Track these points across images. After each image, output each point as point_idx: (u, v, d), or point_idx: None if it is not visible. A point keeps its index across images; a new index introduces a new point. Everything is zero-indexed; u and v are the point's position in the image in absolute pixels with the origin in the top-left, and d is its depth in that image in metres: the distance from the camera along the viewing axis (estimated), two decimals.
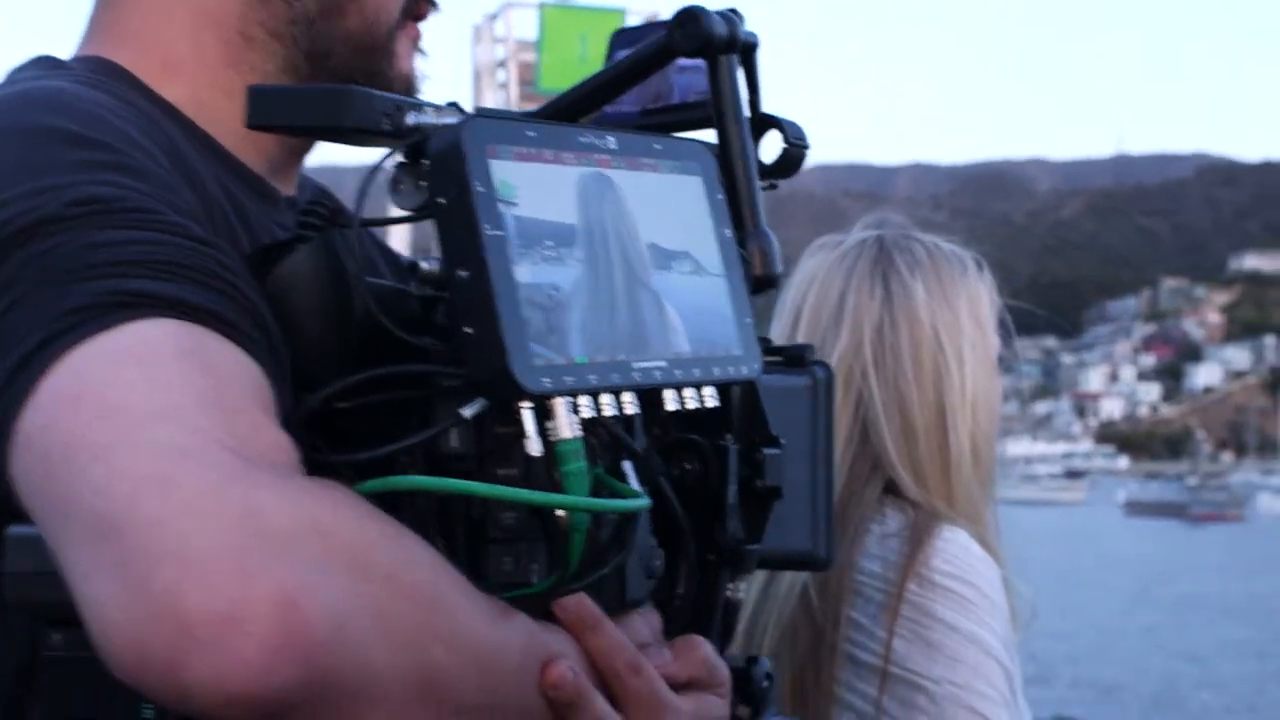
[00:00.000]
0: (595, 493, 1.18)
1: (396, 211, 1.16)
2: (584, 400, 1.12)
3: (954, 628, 2.10)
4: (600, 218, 1.18)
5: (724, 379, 1.24)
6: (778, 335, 2.30)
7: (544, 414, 1.12)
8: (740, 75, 1.35)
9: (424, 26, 1.50)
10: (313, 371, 1.18)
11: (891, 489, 2.21)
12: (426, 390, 1.19)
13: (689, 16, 1.32)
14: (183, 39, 1.36)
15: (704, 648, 1.28)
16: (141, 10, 1.38)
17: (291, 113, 1.16)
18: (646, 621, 1.29)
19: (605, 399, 1.13)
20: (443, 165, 1.10)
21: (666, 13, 1.31)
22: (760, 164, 1.42)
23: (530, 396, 1.09)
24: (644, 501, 1.16)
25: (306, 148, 1.44)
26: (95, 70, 1.34)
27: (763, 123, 1.41)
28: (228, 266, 1.12)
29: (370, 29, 1.40)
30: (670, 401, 1.20)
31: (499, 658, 1.10)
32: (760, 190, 1.33)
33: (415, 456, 1.20)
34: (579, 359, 1.12)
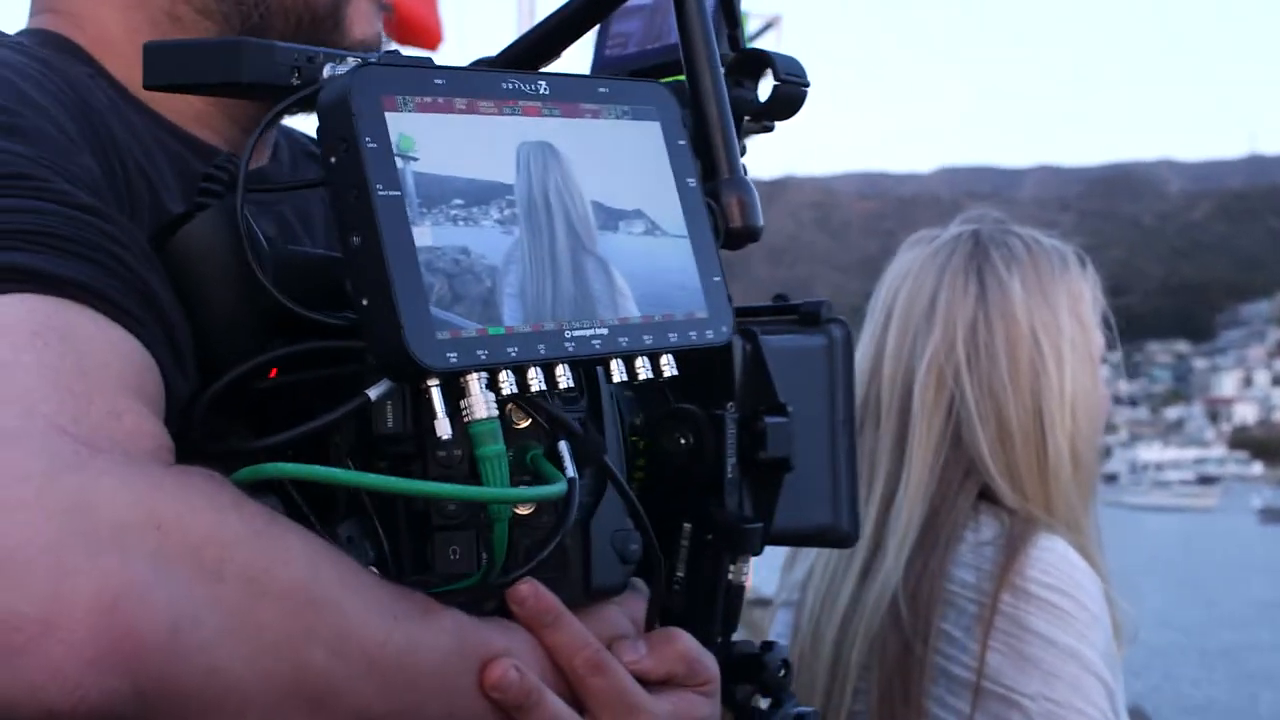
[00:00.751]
0: (533, 476, 1.07)
1: None
2: (505, 376, 1.02)
3: (1051, 641, 1.97)
4: (541, 179, 1.07)
5: (681, 345, 1.11)
6: (869, 332, 2.20)
7: (459, 391, 1.01)
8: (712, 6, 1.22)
9: None
10: (224, 349, 1.09)
11: (986, 495, 2.09)
12: (357, 367, 1.10)
13: None
14: (113, 20, 1.29)
15: (683, 641, 1.17)
16: None
17: (187, 70, 1.07)
18: (625, 611, 1.18)
19: (531, 373, 1.02)
20: (331, 119, 0.99)
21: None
22: (754, 104, 1.30)
23: (432, 373, 0.98)
24: (554, 489, 1.04)
25: (259, 116, 1.34)
26: (32, 39, 1.27)
27: (751, 60, 1.28)
28: (114, 238, 1.03)
29: (309, 1, 1.29)
30: (617, 372, 1.08)
31: (408, 660, 1.00)
32: (734, 134, 1.20)
33: (344, 439, 1.11)
34: (494, 330, 1.01)
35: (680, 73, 1.33)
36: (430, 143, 1.01)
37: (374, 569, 1.08)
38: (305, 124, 1.39)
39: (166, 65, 1.07)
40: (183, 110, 1.27)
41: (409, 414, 1.09)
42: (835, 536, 1.37)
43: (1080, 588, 1.99)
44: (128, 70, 1.26)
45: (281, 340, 1.09)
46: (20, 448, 0.88)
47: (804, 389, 1.32)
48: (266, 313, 1.07)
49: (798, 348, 1.34)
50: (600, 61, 1.40)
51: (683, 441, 1.25)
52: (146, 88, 1.08)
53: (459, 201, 1.01)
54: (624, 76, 1.18)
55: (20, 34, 1.30)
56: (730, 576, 1.28)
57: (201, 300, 1.07)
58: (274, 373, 1.11)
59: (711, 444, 1.24)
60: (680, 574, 1.27)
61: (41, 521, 0.85)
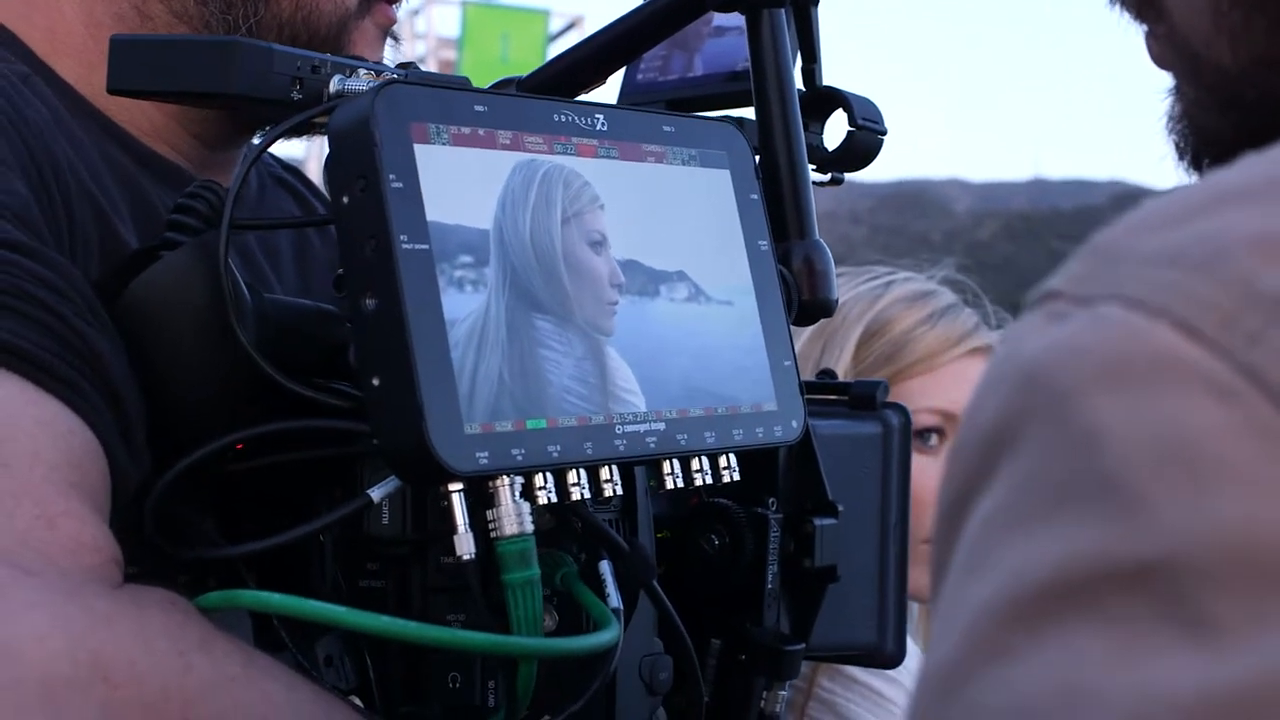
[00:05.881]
0: (562, 601, 0.88)
1: None
2: (542, 479, 0.82)
3: None
4: (516, 227, 0.84)
5: (748, 444, 0.92)
6: None
7: (485, 497, 0.81)
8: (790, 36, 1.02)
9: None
10: (187, 423, 0.88)
11: None
12: (349, 449, 0.90)
13: None
14: (70, 6, 1.07)
15: None
16: None
17: (163, 74, 0.86)
18: None
19: (573, 477, 0.82)
20: (346, 149, 0.79)
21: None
22: (821, 152, 1.11)
23: (457, 477, 0.78)
24: (606, 638, 0.84)
25: (235, 132, 1.13)
26: None
27: (823, 99, 1.09)
28: (49, 284, 0.82)
29: (309, 17, 1.08)
30: (671, 479, 0.89)
31: None
32: (811, 188, 1.01)
33: (330, 540, 0.91)
34: (533, 423, 0.81)
35: (715, 108, 1.15)
36: (444, 180, 0.80)
37: (355, 698, 0.88)
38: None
39: (138, 67, 0.86)
40: (138, 119, 1.07)
41: (409, 514, 0.89)
42: (878, 656, 1.18)
43: (908, 673, 1.79)
44: (81, 70, 1.05)
45: (257, 410, 0.89)
46: None
47: (854, 485, 1.13)
48: (242, 379, 0.86)
49: (849, 436, 1.14)
50: (631, 86, 1.21)
51: (716, 543, 1.06)
52: (111, 92, 0.87)
53: (467, 259, 0.80)
54: (695, 115, 0.98)
55: None
56: (764, 704, 1.08)
57: (163, 363, 0.86)
58: (240, 446, 0.91)
59: (751, 547, 1.05)
60: (705, 699, 1.07)
61: None
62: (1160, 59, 0.67)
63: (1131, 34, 0.69)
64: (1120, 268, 0.42)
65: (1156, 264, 0.41)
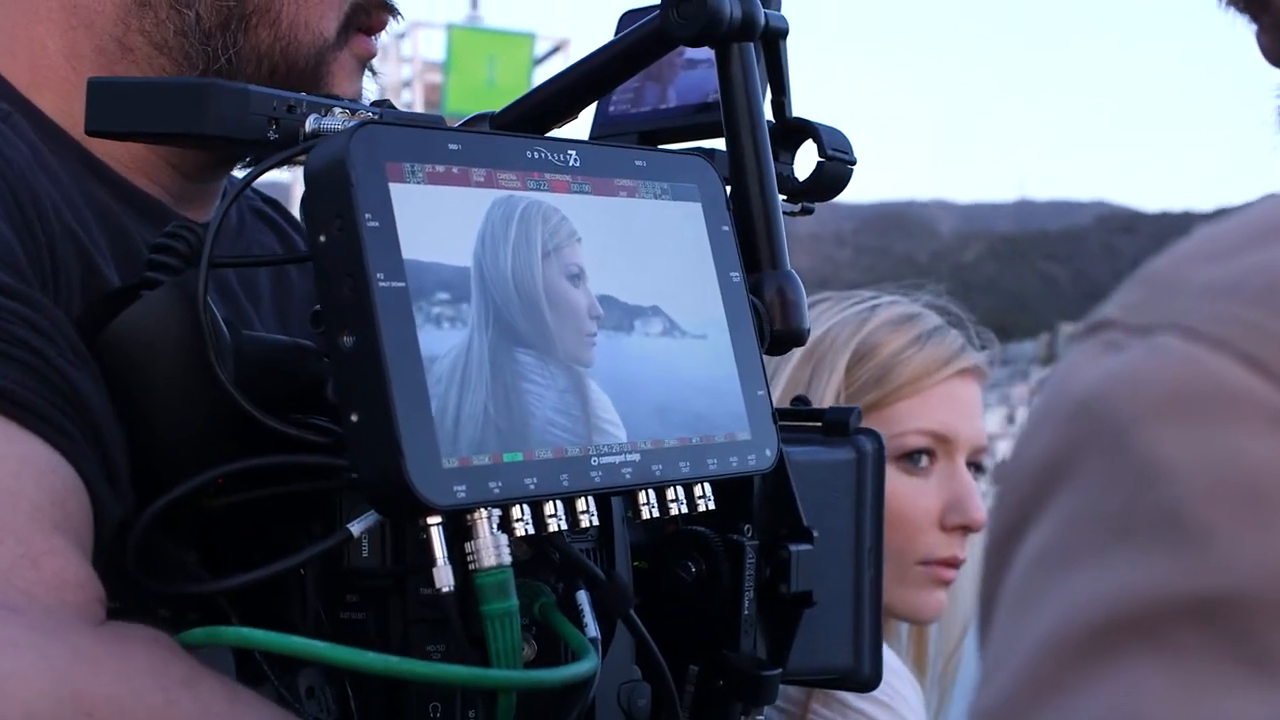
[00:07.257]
0: (541, 631, 0.89)
1: None
2: (519, 511, 0.83)
3: None
4: (496, 262, 0.86)
5: (722, 473, 0.93)
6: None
7: (463, 530, 0.82)
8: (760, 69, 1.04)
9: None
10: (168, 459, 0.89)
11: None
12: (328, 483, 0.91)
13: None
14: (52, 39, 1.08)
15: None
16: (6, 3, 1.10)
17: (140, 115, 0.87)
18: None
19: (550, 508, 0.84)
20: (322, 189, 0.80)
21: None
22: (792, 182, 1.12)
23: (435, 510, 0.79)
24: (581, 668, 0.85)
25: (215, 165, 1.14)
26: None
27: (793, 130, 1.11)
28: (33, 325, 0.83)
29: (287, 48, 1.09)
30: (647, 509, 0.90)
31: None
32: (782, 219, 1.02)
33: (311, 573, 0.92)
34: (510, 456, 0.82)
35: (687, 139, 1.16)
36: (421, 217, 0.81)
37: None
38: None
39: (116, 108, 0.87)
40: (118, 152, 1.08)
41: (388, 547, 0.90)
42: (855, 681, 1.19)
43: (900, 698, 1.79)
44: (63, 104, 1.06)
45: (236, 445, 0.90)
46: None
47: (828, 510, 1.14)
48: (222, 416, 0.87)
49: (823, 462, 1.16)
50: (604, 119, 1.22)
51: (693, 570, 1.07)
52: (89, 133, 0.88)
53: (444, 296, 0.82)
54: (663, 149, 0.99)
55: None
56: None
57: (144, 402, 0.88)
58: (220, 482, 0.92)
59: (727, 575, 1.06)
60: None
61: None
62: (1270, 53, 0.67)
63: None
64: (1176, 298, 0.41)
65: (1214, 295, 0.41)
